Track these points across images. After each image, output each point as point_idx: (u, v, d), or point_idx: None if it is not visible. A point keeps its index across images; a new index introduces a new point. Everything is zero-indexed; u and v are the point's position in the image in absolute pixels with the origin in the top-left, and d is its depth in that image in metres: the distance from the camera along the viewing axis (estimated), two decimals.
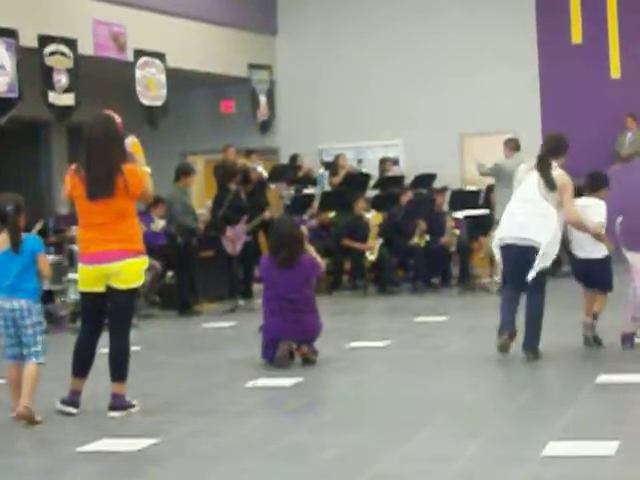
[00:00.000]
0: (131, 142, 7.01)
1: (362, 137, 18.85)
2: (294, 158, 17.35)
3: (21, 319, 6.77)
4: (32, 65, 13.81)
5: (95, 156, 6.83)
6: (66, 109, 14.59)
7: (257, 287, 12.72)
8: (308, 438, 6.03)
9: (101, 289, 6.89)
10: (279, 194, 16.88)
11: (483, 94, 18.15)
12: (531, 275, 8.19)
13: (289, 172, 16.76)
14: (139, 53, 15.91)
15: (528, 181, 8.37)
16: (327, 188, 16.67)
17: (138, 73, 15.90)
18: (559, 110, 17.69)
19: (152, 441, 6.03)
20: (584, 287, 8.81)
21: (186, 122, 19.42)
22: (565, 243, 8.84)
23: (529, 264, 8.18)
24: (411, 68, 18.66)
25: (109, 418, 6.75)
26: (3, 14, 13.65)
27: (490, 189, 15.01)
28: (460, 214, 15.07)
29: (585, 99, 17.81)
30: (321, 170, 17.65)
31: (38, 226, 11.98)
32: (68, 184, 6.98)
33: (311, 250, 8.93)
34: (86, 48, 14.93)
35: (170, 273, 13.66)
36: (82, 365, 6.96)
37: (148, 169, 7.02)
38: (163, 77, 16.39)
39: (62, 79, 14.45)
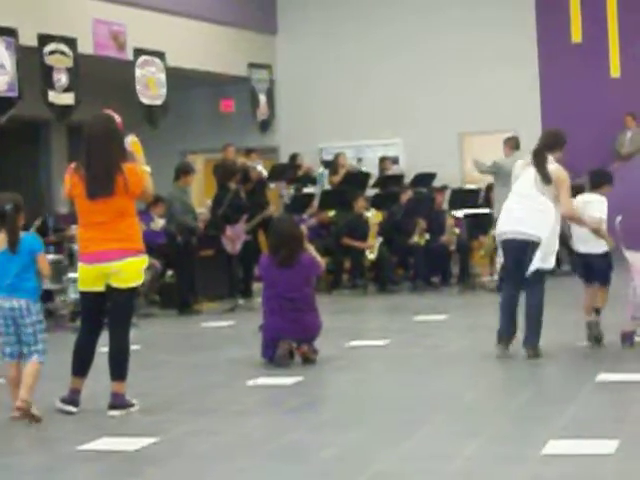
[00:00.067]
0: (131, 141, 7.00)
1: (362, 136, 18.85)
2: (294, 157, 17.35)
3: (21, 318, 6.77)
4: (32, 64, 13.81)
5: (95, 155, 6.82)
6: (66, 108, 14.59)
7: (257, 286, 12.71)
8: (308, 437, 6.03)
9: (101, 288, 6.89)
10: (279, 193, 16.88)
11: (483, 93, 18.16)
12: (531, 270, 8.19)
13: (289, 171, 16.75)
14: (139, 52, 15.91)
15: (525, 176, 8.36)
16: (327, 187, 16.66)
17: (138, 72, 15.90)
18: (559, 109, 17.69)
19: (152, 440, 6.03)
20: (585, 283, 8.80)
21: (186, 121, 19.42)
22: (565, 239, 8.84)
23: (529, 259, 8.19)
24: (411, 68, 18.66)
25: (109, 417, 6.75)
26: (3, 13, 13.65)
27: (490, 188, 14.99)
28: (460, 213, 15.08)
29: (585, 98, 17.82)
30: (321, 169, 17.65)
31: (37, 223, 11.97)
32: (68, 183, 6.97)
33: (311, 249, 8.93)
34: (86, 47, 14.93)
35: (170, 272, 13.64)
36: (82, 364, 6.96)
37: (148, 168, 7.01)
38: (163, 76, 16.39)
39: (62, 78, 14.44)
